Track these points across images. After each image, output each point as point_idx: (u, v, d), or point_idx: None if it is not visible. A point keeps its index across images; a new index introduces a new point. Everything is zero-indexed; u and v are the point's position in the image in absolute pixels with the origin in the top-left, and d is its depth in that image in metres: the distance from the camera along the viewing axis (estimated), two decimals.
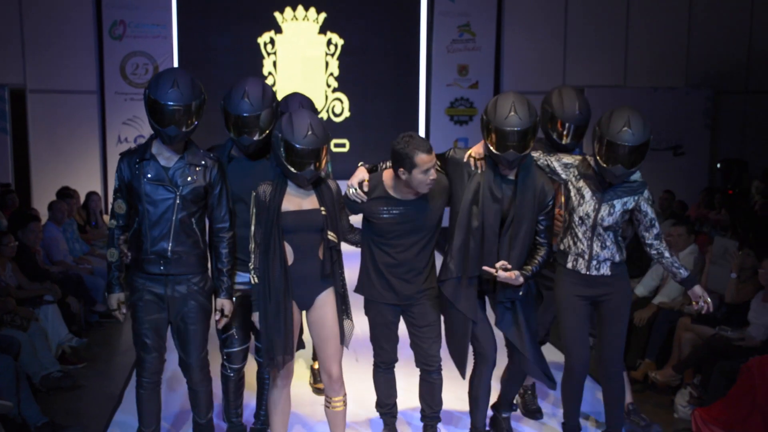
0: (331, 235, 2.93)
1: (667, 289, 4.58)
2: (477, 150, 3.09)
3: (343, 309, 3.00)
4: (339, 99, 8.76)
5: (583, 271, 3.13)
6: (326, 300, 2.97)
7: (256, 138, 2.97)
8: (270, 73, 8.70)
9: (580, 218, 3.12)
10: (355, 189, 3.05)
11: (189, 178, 2.91)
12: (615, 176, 3.01)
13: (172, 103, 2.78)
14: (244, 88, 2.96)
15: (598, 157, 3.01)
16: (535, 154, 3.14)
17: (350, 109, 8.83)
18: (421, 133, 8.96)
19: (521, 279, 2.99)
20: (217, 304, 3.03)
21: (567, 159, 3.15)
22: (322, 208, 2.92)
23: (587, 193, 3.11)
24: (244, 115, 2.94)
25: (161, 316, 2.95)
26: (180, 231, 2.92)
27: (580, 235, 3.13)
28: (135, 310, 2.96)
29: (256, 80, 3.03)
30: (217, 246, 3.01)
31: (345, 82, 8.73)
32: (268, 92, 3.02)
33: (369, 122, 8.79)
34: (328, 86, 8.73)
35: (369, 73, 8.76)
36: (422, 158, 2.90)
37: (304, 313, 3.02)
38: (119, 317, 2.99)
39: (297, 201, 2.91)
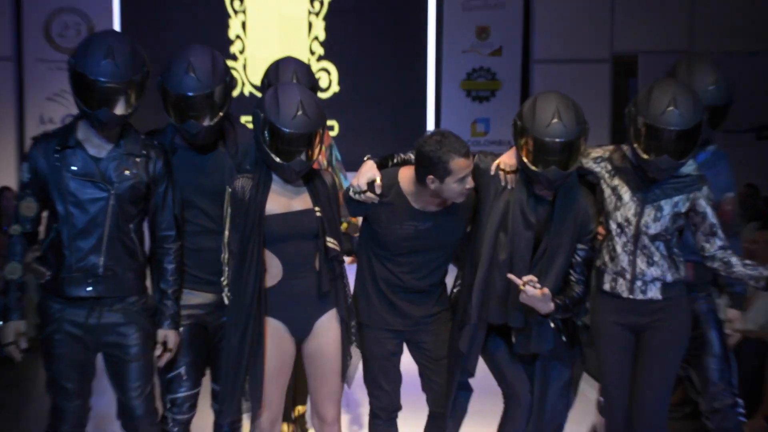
0: (330, 243, 2.98)
1: (754, 310, 4.57)
2: (507, 160, 3.13)
3: (348, 336, 3.05)
4: (325, 70, 8.78)
5: (625, 295, 3.15)
6: (327, 326, 3.03)
7: (206, 123, 2.98)
8: (238, 37, 8.70)
9: (619, 226, 3.14)
10: (364, 192, 3.08)
11: (127, 172, 2.93)
12: (660, 170, 3.05)
13: (104, 79, 2.80)
14: (188, 60, 2.98)
15: (635, 146, 3.04)
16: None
17: (339, 83, 8.86)
18: (430, 112, 8.89)
19: (551, 305, 3.01)
20: (159, 335, 3.04)
21: (596, 152, 3.20)
22: (317, 209, 2.97)
23: (625, 193, 3.14)
24: (190, 94, 2.95)
25: (86, 353, 2.95)
26: (115, 241, 2.92)
27: (618, 247, 3.15)
28: (50, 345, 2.94)
29: (202, 49, 3.05)
30: (161, 260, 3.03)
31: (333, 49, 8.74)
32: (219, 63, 3.04)
33: (363, 99, 8.79)
34: (312, 53, 8.78)
35: (363, 37, 8.74)
36: (459, 164, 2.94)
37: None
38: (15, 355, 2.94)
39: (284, 200, 2.96)
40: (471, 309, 3.10)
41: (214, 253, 3.04)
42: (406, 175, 3.10)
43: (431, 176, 2.96)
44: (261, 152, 2.93)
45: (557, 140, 2.96)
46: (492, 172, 3.11)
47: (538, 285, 2.99)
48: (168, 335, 3.03)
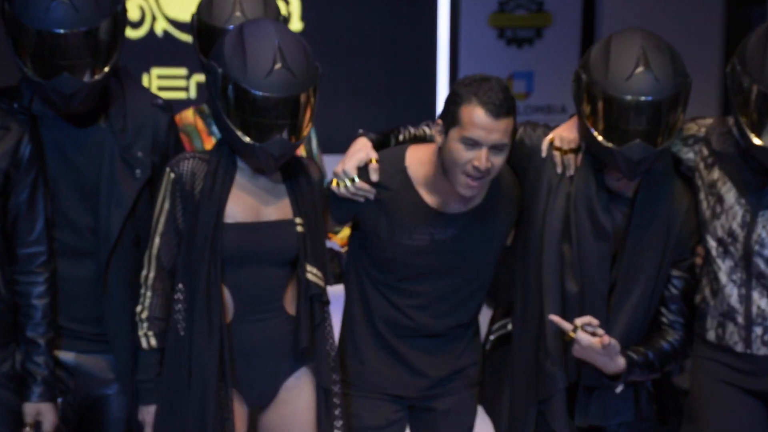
0: (312, 274, 3.10)
1: None
2: (566, 134, 3.24)
3: (328, 410, 3.17)
4: None
5: (739, 348, 3.21)
6: (297, 394, 3.15)
7: (86, 79, 3.05)
8: None
9: (720, 242, 3.22)
10: (352, 180, 3.18)
11: None
12: None
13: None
14: None
15: (742, 121, 3.10)
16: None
17: (303, 18, 8.42)
18: (443, 63, 8.54)
19: (620, 361, 3.11)
20: (27, 412, 3.09)
21: (688, 128, 3.30)
22: (299, 221, 3.10)
23: (728, 192, 3.22)
24: (60, 31, 3.01)
25: None
26: None
27: (723, 276, 3.22)
28: None
29: None
30: (26, 293, 3.11)
31: None
32: None
33: (339, 42, 8.40)
34: None
35: None
36: (472, 114, 3.01)
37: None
38: None
39: (252, 203, 3.09)
40: (551, 363, 3.21)
41: (86, 287, 3.15)
42: (417, 157, 3.20)
43: (440, 120, 3.08)
44: (221, 127, 3.03)
45: (643, 98, 3.01)
46: (544, 153, 3.20)
47: (599, 330, 3.06)
48: (42, 412, 3.08)
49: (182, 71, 7.94)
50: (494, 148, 3.02)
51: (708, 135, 3.29)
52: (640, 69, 3.05)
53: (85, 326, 3.21)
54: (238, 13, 3.55)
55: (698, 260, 3.32)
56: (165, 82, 7.75)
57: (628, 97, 3.05)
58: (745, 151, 3.19)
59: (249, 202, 3.12)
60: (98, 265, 3.17)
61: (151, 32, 7.89)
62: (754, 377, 3.25)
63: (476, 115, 3.01)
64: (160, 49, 7.66)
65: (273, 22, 3.14)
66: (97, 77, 3.08)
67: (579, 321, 3.09)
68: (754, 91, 3.08)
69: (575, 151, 3.24)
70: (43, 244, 3.12)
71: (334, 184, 3.21)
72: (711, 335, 3.27)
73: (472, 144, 3.02)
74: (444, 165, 3.10)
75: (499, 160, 3.06)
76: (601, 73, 3.10)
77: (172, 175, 3.09)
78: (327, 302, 3.18)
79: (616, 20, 7.89)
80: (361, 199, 3.21)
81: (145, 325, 3.10)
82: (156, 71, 7.72)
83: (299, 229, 3.12)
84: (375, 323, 3.31)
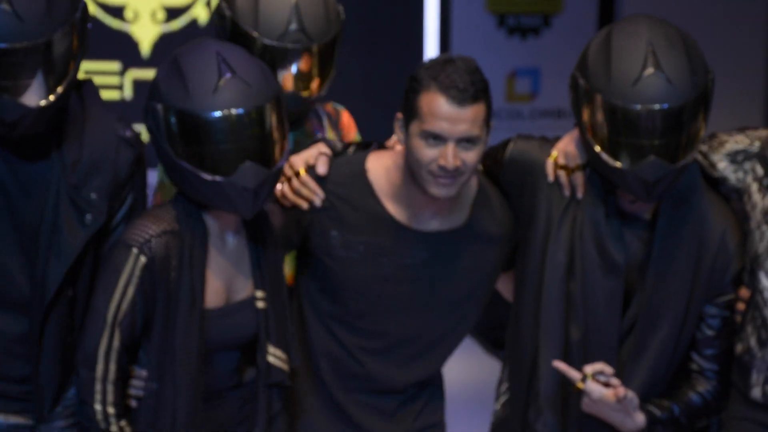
0: (274, 357, 3.08)
1: None
2: (571, 148, 3.16)
3: None
4: None
5: None
6: None
7: (33, 104, 2.91)
8: None
9: None
10: (296, 175, 3.20)
11: None
12: None
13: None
14: None
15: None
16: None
17: None
18: (431, 50, 8.34)
19: (639, 418, 3.04)
20: None
21: (733, 141, 3.19)
22: (260, 294, 3.08)
23: None
24: (2, 46, 2.88)
25: None
26: None
27: None
28: None
29: None
30: None
31: None
32: None
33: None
34: None
35: None
36: (429, 101, 2.97)
37: None
38: None
39: (221, 284, 3.08)
40: (541, 426, 3.20)
41: (14, 344, 3.07)
42: (381, 162, 3.18)
43: (400, 114, 3.07)
44: (177, 177, 2.96)
45: (656, 107, 2.93)
46: (551, 177, 3.15)
47: (613, 380, 3.00)
48: None
49: (114, 66, 7.72)
50: (463, 141, 2.94)
51: (764, 150, 3.17)
52: (649, 70, 2.95)
53: (11, 386, 3.13)
54: (294, 26, 3.36)
55: (740, 306, 3.20)
56: (93, 78, 7.40)
57: (637, 106, 2.93)
58: None
59: (218, 284, 3.07)
60: (31, 321, 3.07)
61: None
62: None
63: (437, 104, 2.95)
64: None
65: (211, 39, 3.12)
66: (47, 102, 2.91)
67: (589, 369, 3.03)
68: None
69: (584, 168, 3.13)
70: None
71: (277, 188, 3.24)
72: (756, 393, 3.15)
73: (436, 139, 2.96)
74: (410, 167, 3.07)
75: (471, 155, 2.97)
76: (603, 77, 2.99)
77: (143, 259, 2.94)
78: (289, 386, 3.14)
79: (640, 8, 7.59)
80: (304, 204, 3.12)
81: (114, 419, 2.98)
82: (83, 65, 7.53)
83: (260, 304, 3.06)
84: (320, 372, 3.24)
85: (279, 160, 2.97)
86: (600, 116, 3.00)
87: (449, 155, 2.96)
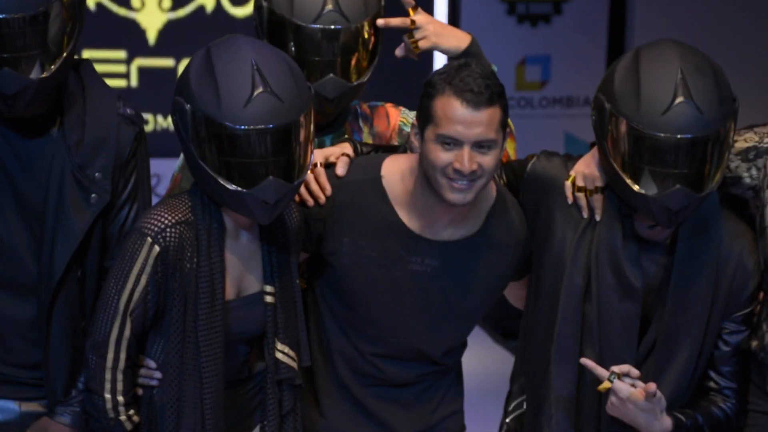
0: (282, 353, 3.07)
1: None
2: (589, 170, 3.11)
3: None
4: None
5: None
6: None
7: (34, 75, 2.90)
8: None
9: None
10: (314, 165, 3.16)
11: None
12: None
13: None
14: None
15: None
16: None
17: None
18: None
19: (667, 422, 2.99)
20: None
21: (745, 139, 3.16)
22: (269, 289, 3.05)
23: None
24: (0, 17, 2.88)
25: None
26: None
27: None
28: None
29: None
30: None
31: None
32: None
33: None
34: None
35: None
36: (445, 106, 2.92)
37: None
38: None
39: (233, 277, 3.06)
40: None
41: (25, 329, 3.06)
42: (397, 168, 3.11)
43: (416, 120, 3.04)
44: (198, 176, 2.94)
45: (686, 137, 2.89)
46: (570, 199, 3.12)
47: (639, 383, 2.96)
48: None
49: (121, 54, 7.71)
50: (478, 145, 2.89)
51: None
52: (679, 99, 2.90)
53: (24, 372, 3.13)
54: (330, 6, 3.29)
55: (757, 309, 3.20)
56: (100, 67, 7.93)
57: (667, 135, 2.89)
58: None
59: (229, 278, 3.07)
60: (40, 304, 3.07)
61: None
62: None
63: (452, 108, 2.90)
64: (92, 27, 6.88)
65: (246, 39, 3.05)
66: (47, 73, 2.91)
67: (617, 368, 2.98)
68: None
69: (602, 190, 3.11)
70: None
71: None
72: None
73: (451, 143, 2.91)
74: (425, 173, 3.02)
75: (487, 159, 2.92)
76: (631, 104, 2.94)
77: (157, 249, 2.93)
78: (300, 385, 3.13)
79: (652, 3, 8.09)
80: (310, 200, 3.12)
81: (123, 408, 2.96)
82: (89, 53, 7.24)
83: (269, 299, 3.05)
84: (337, 370, 3.21)
85: (301, 175, 2.96)
86: (626, 142, 2.97)
87: (465, 159, 2.93)
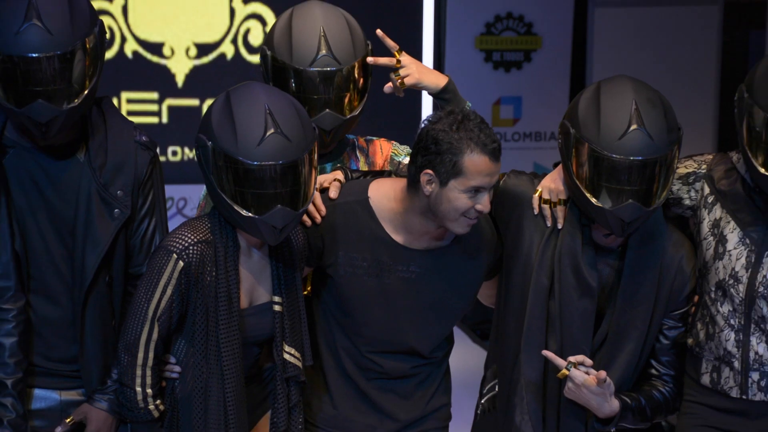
0: (289, 354, 3.10)
1: None
2: (554, 185, 3.20)
3: None
4: (258, 17, 8.14)
5: (734, 394, 3.17)
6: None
7: (65, 106, 2.96)
8: None
9: (719, 285, 3.17)
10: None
11: None
12: None
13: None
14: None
15: (750, 154, 3.05)
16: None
17: None
18: None
19: (614, 404, 3.08)
20: None
21: (685, 165, 3.28)
22: (277, 299, 3.09)
23: (732, 232, 3.18)
24: (33, 55, 2.94)
25: None
26: None
27: (721, 319, 3.18)
28: None
29: None
30: None
31: None
32: (81, 3, 3.06)
33: None
34: None
35: None
36: (477, 163, 2.96)
37: None
38: None
39: (245, 288, 3.10)
40: (525, 426, 3.19)
41: (62, 328, 3.13)
42: (382, 190, 3.18)
43: (430, 171, 2.99)
44: (217, 202, 3.01)
45: (638, 159, 2.99)
46: (536, 210, 3.19)
47: (592, 371, 3.03)
48: None
49: (153, 95, 7.87)
50: (490, 191, 3.04)
51: (710, 172, 3.25)
52: (633, 127, 3.00)
53: (62, 366, 3.19)
54: (323, 52, 3.36)
55: (692, 310, 3.31)
56: (135, 106, 7.64)
57: (622, 157, 3.00)
58: (751, 188, 3.18)
59: (243, 290, 3.12)
60: (74, 306, 3.13)
61: (121, 54, 7.80)
62: (748, 420, 3.23)
63: (482, 164, 2.97)
64: (129, 72, 7.55)
65: (261, 85, 3.08)
66: (74, 104, 2.98)
67: (573, 358, 3.06)
68: (762, 118, 3.03)
69: (565, 203, 3.18)
70: (9, 279, 3.08)
71: None
72: (706, 379, 3.24)
73: (477, 191, 2.98)
74: (437, 212, 3.04)
75: (488, 200, 3.06)
76: (593, 130, 3.04)
77: (181, 264, 3.00)
78: (303, 381, 3.17)
79: (608, 44, 8.22)
80: (307, 221, 3.17)
81: (151, 399, 3.07)
82: (126, 95, 7.62)
83: (277, 308, 3.10)
84: (344, 366, 3.27)
85: (306, 203, 3.04)
86: (587, 162, 3.06)
87: (488, 202, 3.05)
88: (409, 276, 3.18)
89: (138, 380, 3.04)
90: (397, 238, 3.17)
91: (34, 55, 2.94)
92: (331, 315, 3.27)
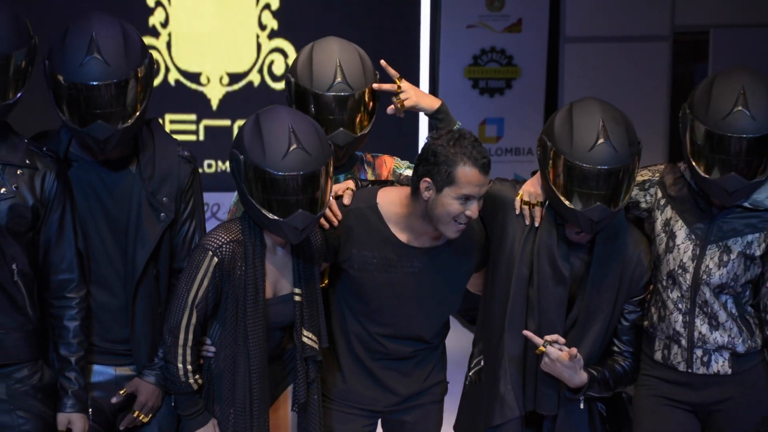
0: (307, 338, 3.11)
1: None
2: (533, 189, 3.23)
3: None
4: (280, 51, 8.38)
5: (682, 368, 3.24)
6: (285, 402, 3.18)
7: (120, 126, 3.01)
8: (159, 4, 8.23)
9: (670, 275, 3.22)
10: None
11: (3, 190, 2.95)
12: (726, 194, 3.07)
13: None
14: (90, 34, 3.00)
15: (693, 162, 3.09)
16: None
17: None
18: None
19: (583, 375, 3.11)
20: (60, 421, 3.09)
21: (641, 175, 3.28)
22: (297, 290, 3.09)
23: (680, 230, 3.22)
24: (94, 83, 2.99)
25: None
26: None
27: (670, 304, 3.23)
28: None
29: (109, 20, 3.08)
30: (59, 315, 3.07)
31: (291, 22, 8.28)
32: (134, 40, 3.08)
33: None
34: (262, 28, 8.36)
35: (332, 6, 8.30)
36: (467, 175, 2.97)
37: None
38: None
39: (271, 281, 3.09)
40: (509, 396, 3.16)
41: (117, 314, 3.14)
42: (388, 197, 3.18)
43: (429, 179, 2.99)
44: (247, 206, 2.97)
45: (604, 167, 3.00)
46: (517, 210, 3.19)
47: (565, 348, 3.05)
48: (73, 421, 3.06)
49: (192, 116, 8.03)
50: (479, 200, 3.07)
51: (662, 179, 3.31)
52: (601, 141, 3.06)
53: (117, 345, 3.23)
54: (339, 79, 3.42)
55: (648, 296, 3.38)
56: (177, 126, 7.87)
57: (591, 167, 3.05)
58: (696, 192, 3.21)
59: (269, 281, 3.13)
60: (126, 295, 3.17)
61: (165, 82, 7.99)
62: (692, 391, 3.28)
63: (473, 175, 3.01)
64: (172, 97, 7.79)
65: (285, 109, 3.11)
66: (128, 124, 3.05)
67: (548, 337, 3.14)
68: (701, 129, 3.08)
69: (542, 204, 3.24)
70: (73, 272, 3.11)
71: None
72: (658, 356, 3.31)
73: (466, 198, 3.02)
74: (433, 216, 3.07)
75: (476, 208, 3.08)
76: (566, 143, 3.10)
77: (215, 260, 3.04)
78: (320, 361, 3.19)
79: (577, 74, 8.27)
80: (325, 224, 3.19)
81: (191, 374, 3.10)
82: (169, 116, 7.86)
83: (297, 298, 3.12)
84: (354, 348, 3.30)
85: (323, 208, 3.03)
86: (562, 171, 3.10)
87: (476, 209, 3.04)
88: (413, 271, 3.21)
89: (180, 358, 3.09)
90: (402, 238, 3.19)
91: (94, 83, 3.00)
92: (345, 303, 3.29)
